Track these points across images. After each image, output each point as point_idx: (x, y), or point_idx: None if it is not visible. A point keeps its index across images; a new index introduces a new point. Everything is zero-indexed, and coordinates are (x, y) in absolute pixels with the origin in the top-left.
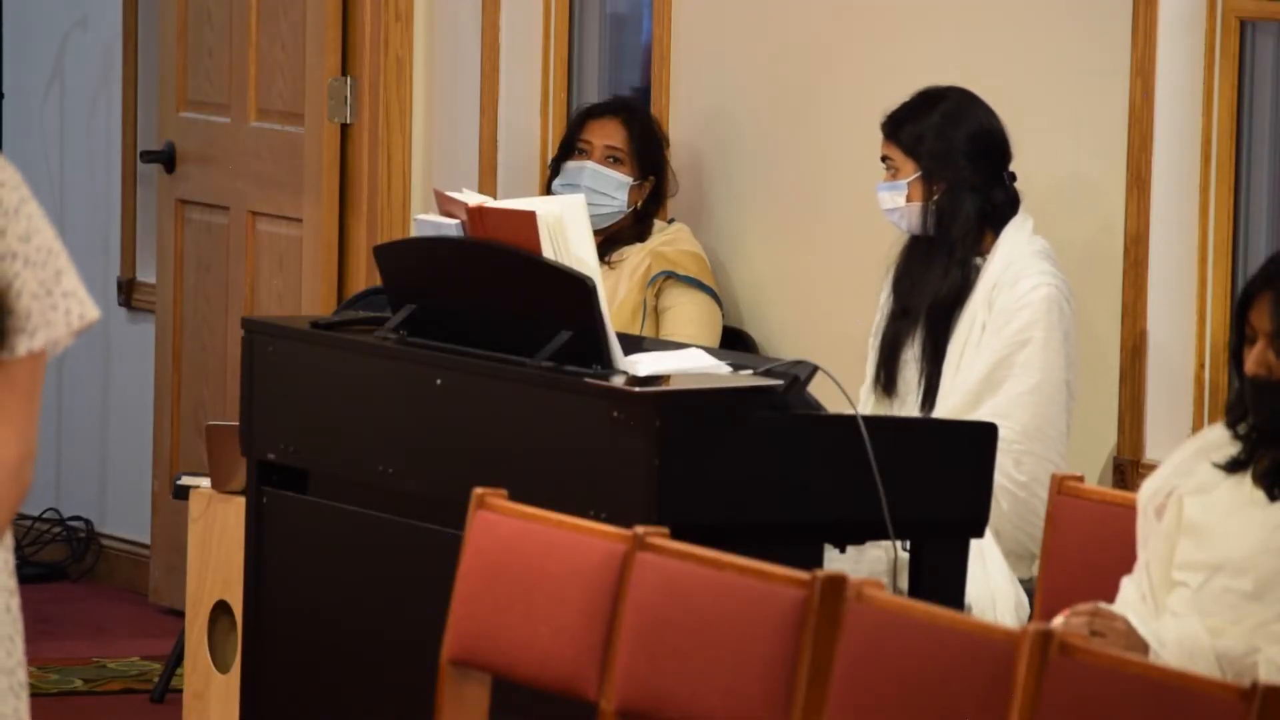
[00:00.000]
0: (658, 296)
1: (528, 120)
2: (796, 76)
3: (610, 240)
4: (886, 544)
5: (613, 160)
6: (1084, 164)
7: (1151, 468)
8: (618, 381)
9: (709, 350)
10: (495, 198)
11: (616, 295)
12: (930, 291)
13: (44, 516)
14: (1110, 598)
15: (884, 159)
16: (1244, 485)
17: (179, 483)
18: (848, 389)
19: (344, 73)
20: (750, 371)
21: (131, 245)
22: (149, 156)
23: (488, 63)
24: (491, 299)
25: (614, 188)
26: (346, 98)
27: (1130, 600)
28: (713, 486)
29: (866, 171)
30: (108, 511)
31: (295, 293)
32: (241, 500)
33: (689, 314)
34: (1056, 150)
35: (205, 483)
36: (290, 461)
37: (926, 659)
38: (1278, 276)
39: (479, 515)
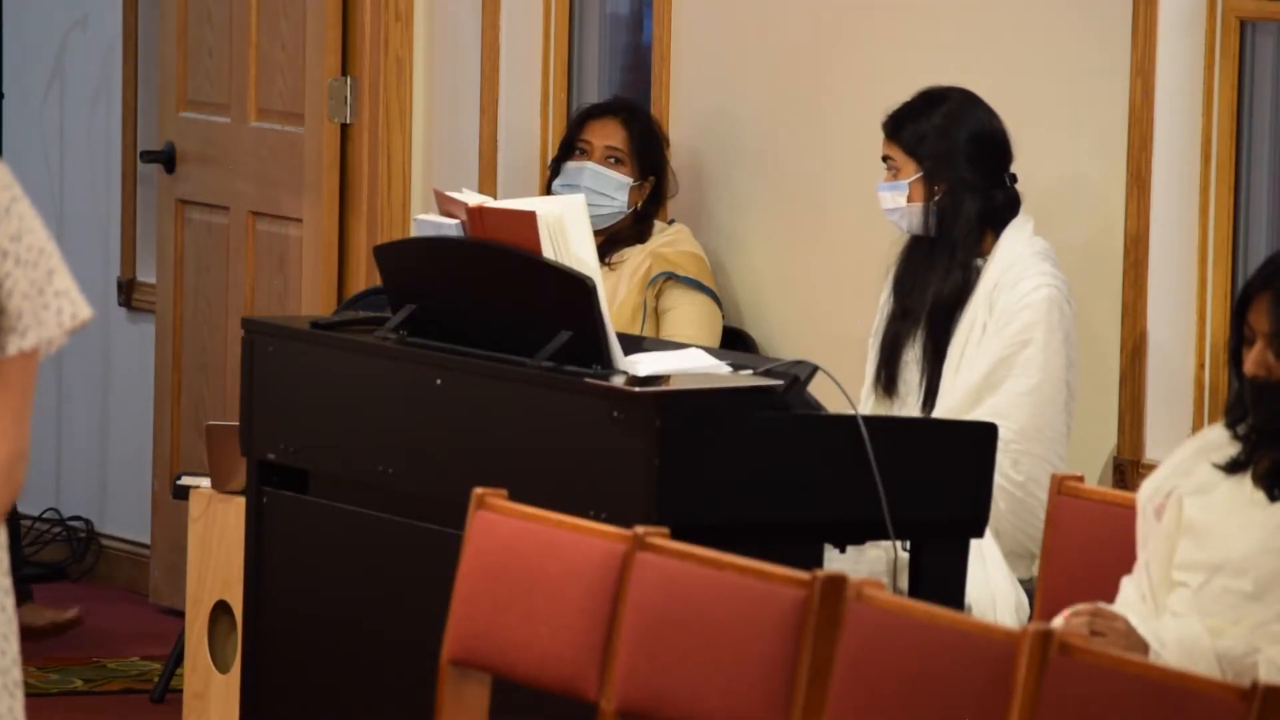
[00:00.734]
0: (658, 298)
1: (528, 120)
2: (797, 77)
3: (610, 241)
4: (886, 544)
5: (613, 161)
6: (1084, 164)
7: (1151, 468)
8: (618, 381)
9: (709, 350)
10: (495, 198)
11: (616, 296)
12: (931, 292)
13: (44, 516)
14: (1110, 598)
15: (885, 159)
16: (1244, 485)
17: (179, 483)
18: (848, 389)
19: (344, 73)
20: (750, 371)
21: (131, 245)
22: (149, 156)
23: (488, 63)
24: (491, 299)
25: (614, 188)
26: (346, 98)
27: (1130, 600)
28: (713, 486)
29: (867, 172)
30: (108, 511)
31: (295, 293)
32: (241, 500)
33: (689, 315)
34: (1056, 150)
35: (205, 483)
36: (290, 461)
37: (926, 659)
38: (1276, 277)
39: (479, 515)
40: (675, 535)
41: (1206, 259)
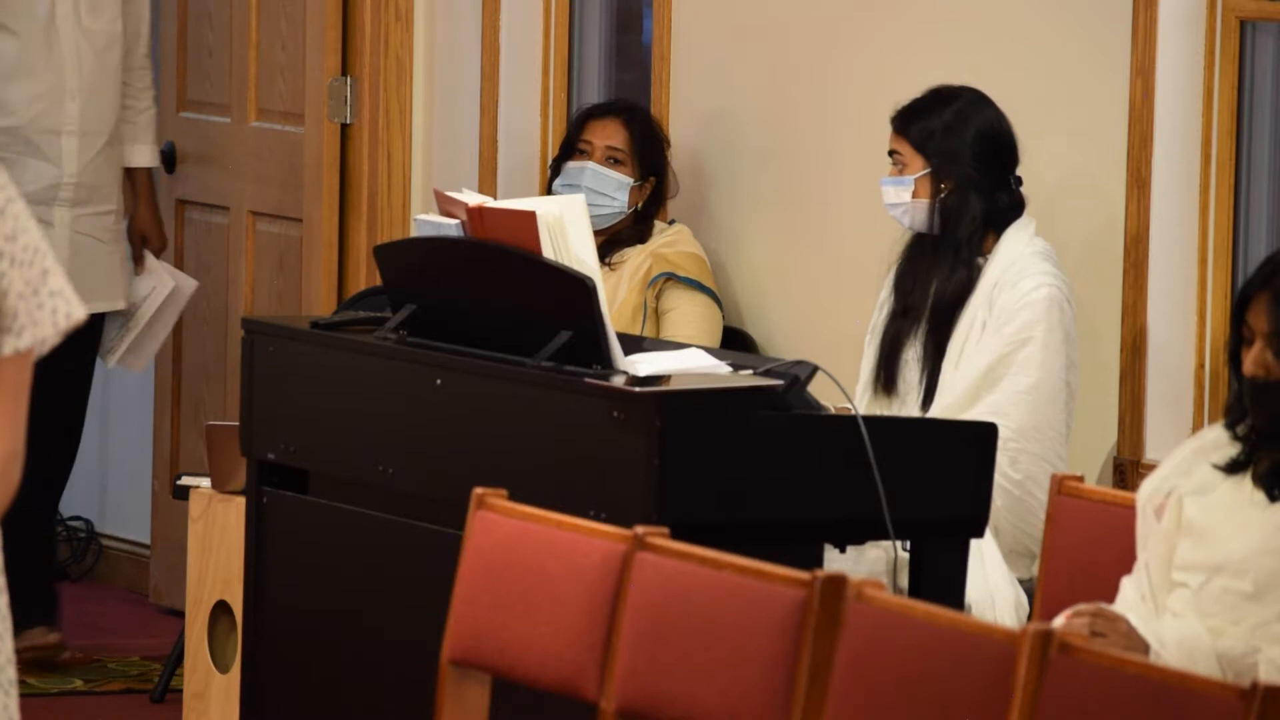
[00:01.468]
0: (658, 298)
1: (528, 120)
2: (797, 77)
3: (611, 241)
4: (886, 544)
5: (613, 161)
6: (1084, 164)
7: (1151, 468)
8: (618, 381)
9: (709, 350)
10: (495, 198)
11: (617, 296)
12: (933, 290)
13: None
14: (1110, 598)
15: (892, 153)
16: (1244, 486)
17: (179, 483)
18: (848, 389)
19: (344, 73)
20: (750, 371)
21: None
22: None
23: (488, 63)
24: (491, 299)
25: (614, 188)
26: (346, 98)
27: (1130, 600)
28: (713, 486)
29: (867, 172)
30: (108, 511)
31: (295, 293)
32: (241, 500)
33: (689, 316)
34: (1057, 150)
35: (205, 483)
36: (290, 461)
37: (926, 659)
38: (1275, 277)
39: (479, 515)
40: (675, 535)
41: (1206, 259)
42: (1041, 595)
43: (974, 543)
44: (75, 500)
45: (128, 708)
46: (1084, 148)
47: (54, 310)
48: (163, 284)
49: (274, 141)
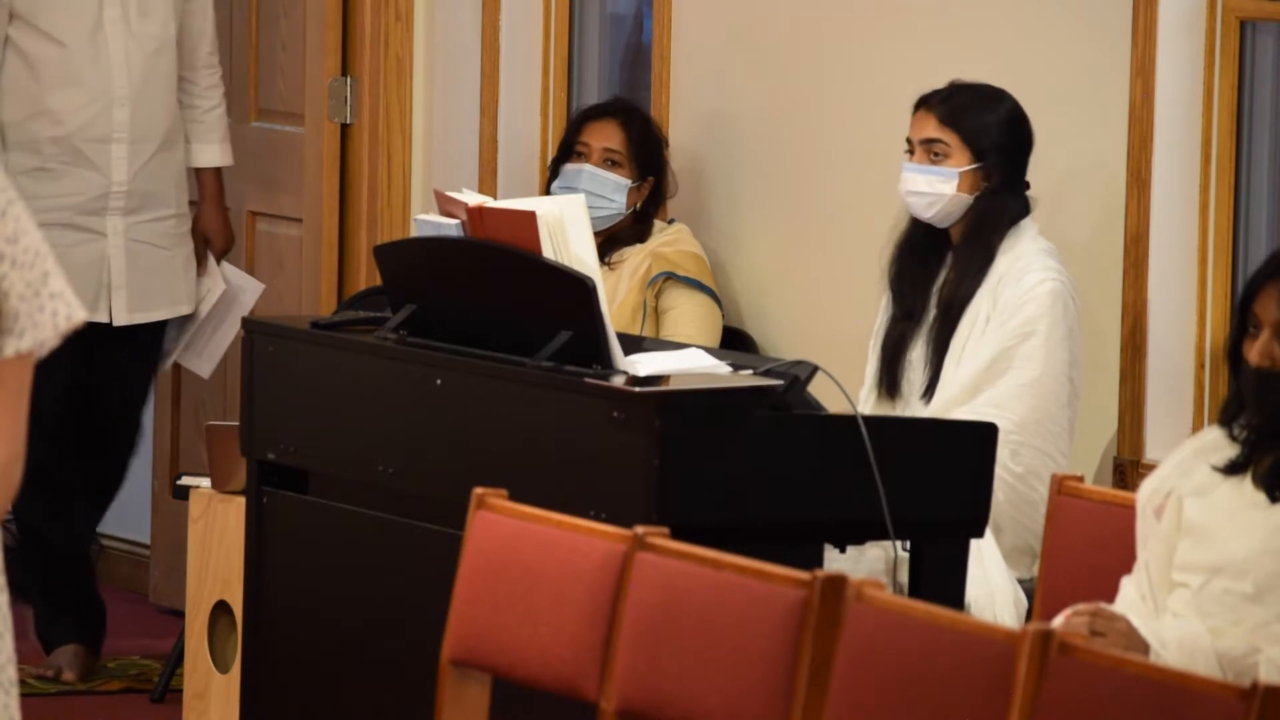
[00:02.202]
0: (658, 297)
1: (528, 121)
2: (796, 77)
3: (610, 241)
4: (886, 544)
5: (610, 163)
6: (1084, 164)
7: (1151, 468)
8: (618, 381)
9: (709, 350)
10: (495, 198)
11: (616, 296)
12: (943, 289)
13: None
14: (1110, 598)
15: (933, 141)
16: (1244, 486)
17: (179, 483)
18: (848, 389)
19: (344, 73)
20: (750, 371)
21: None
22: None
23: (488, 63)
24: (491, 299)
25: (612, 190)
26: (346, 98)
27: (1131, 600)
28: (713, 486)
29: (867, 172)
30: (108, 512)
31: (295, 293)
32: (241, 500)
33: (689, 315)
34: (1056, 150)
35: (205, 483)
36: (290, 461)
37: (926, 659)
38: None
39: (479, 515)
40: (675, 535)
41: (1206, 259)
42: (1041, 595)
43: (974, 542)
44: None
45: (127, 708)
46: (1084, 148)
47: (54, 312)
48: (216, 287)
49: (274, 141)
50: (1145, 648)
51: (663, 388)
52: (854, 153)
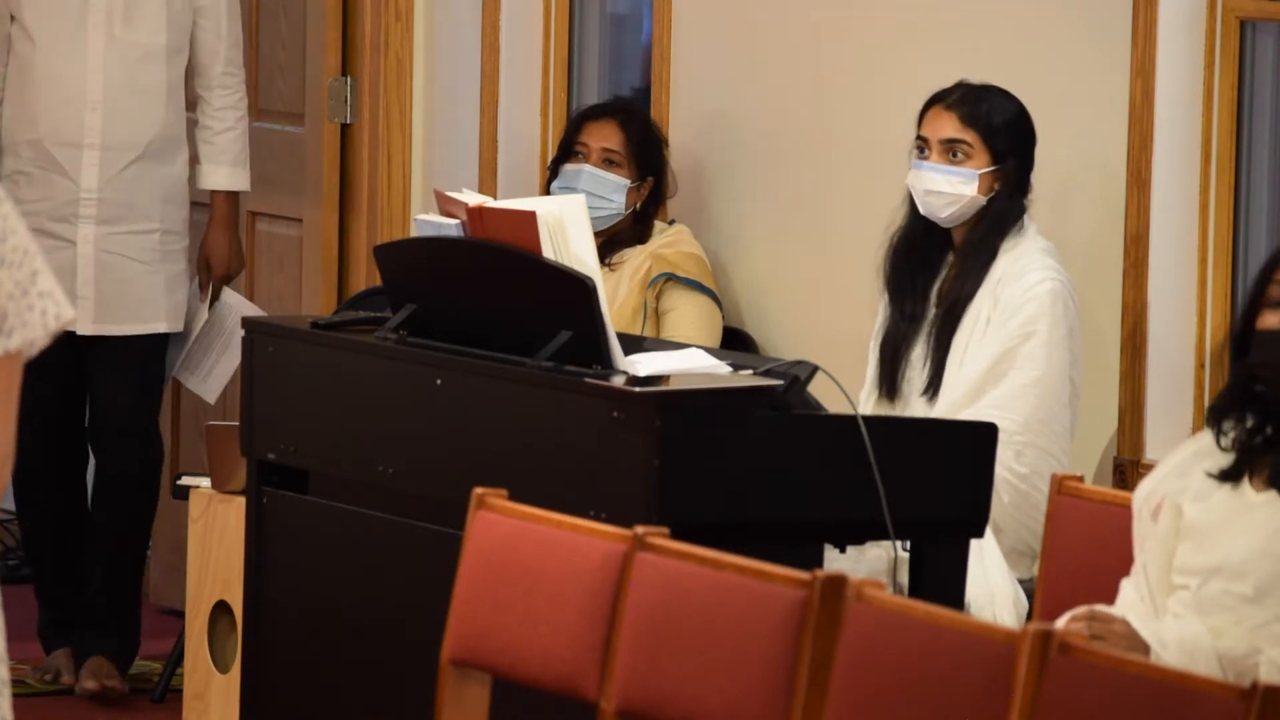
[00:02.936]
0: (658, 298)
1: (528, 121)
2: (797, 76)
3: (610, 242)
4: (886, 544)
5: (609, 163)
6: (1084, 164)
7: (1151, 467)
8: (618, 381)
9: (709, 350)
10: (495, 198)
11: (617, 297)
12: (944, 288)
13: None
14: (1110, 598)
15: (955, 141)
16: (1243, 488)
17: (179, 483)
18: (848, 389)
19: (344, 73)
20: (750, 371)
21: None
22: None
23: (488, 63)
24: (491, 299)
25: (611, 190)
26: (346, 98)
27: (1130, 601)
28: (713, 486)
29: (867, 172)
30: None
31: (295, 293)
32: (241, 500)
33: (689, 316)
34: (1056, 150)
35: (205, 483)
36: (290, 461)
37: (926, 659)
38: None
39: (479, 515)
40: (675, 535)
41: (1206, 259)
42: (1041, 595)
43: (974, 542)
44: None
45: (128, 708)
46: (1084, 148)
47: (43, 311)
48: (203, 310)
49: (274, 141)
50: (1145, 648)
51: (663, 388)
52: (854, 153)
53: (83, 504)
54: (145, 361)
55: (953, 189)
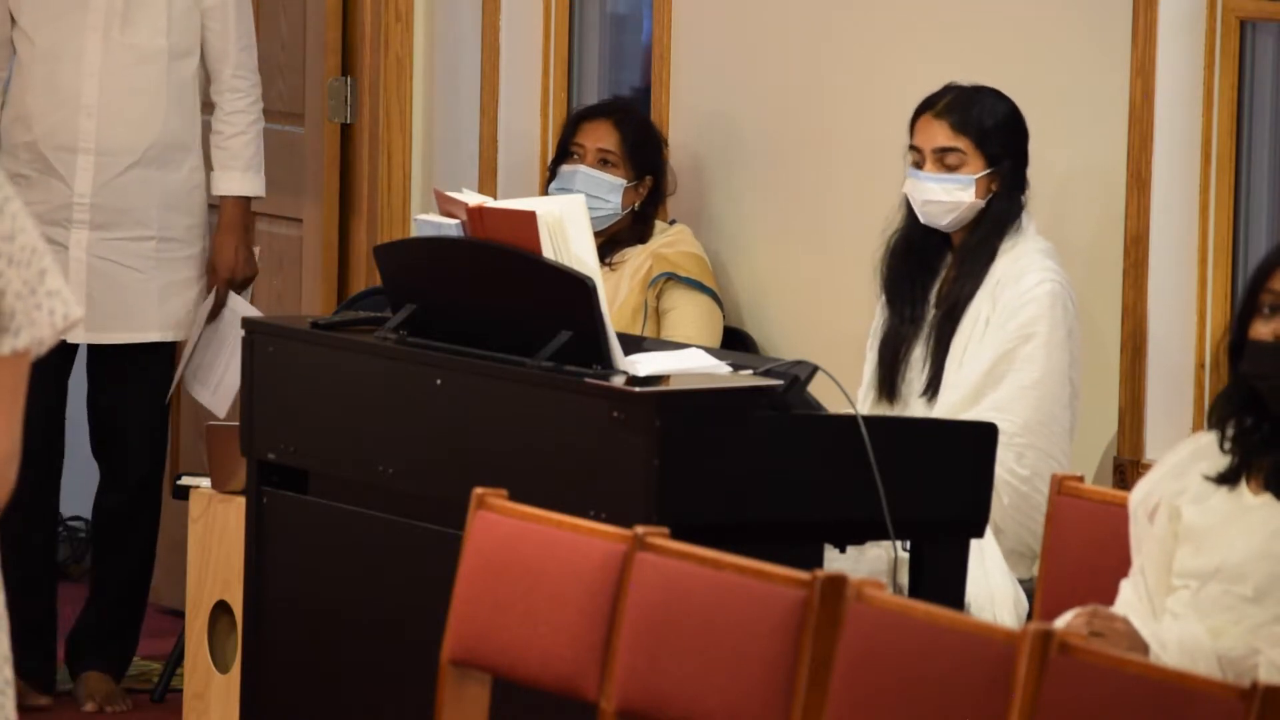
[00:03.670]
0: (659, 298)
1: (528, 121)
2: (797, 76)
3: (611, 242)
4: (886, 544)
5: (605, 163)
6: (1084, 164)
7: (1151, 467)
8: (618, 381)
9: (709, 350)
10: (495, 198)
11: (617, 297)
12: (944, 290)
13: None
14: (1110, 598)
15: (948, 150)
16: (1241, 490)
17: (179, 483)
18: (848, 389)
19: (344, 73)
20: (750, 371)
21: None
22: None
23: (488, 63)
24: (491, 299)
25: (607, 190)
26: (346, 98)
27: (1130, 602)
28: (713, 486)
29: (868, 172)
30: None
31: (295, 293)
32: (241, 500)
33: (690, 316)
34: (1056, 150)
35: (205, 483)
36: (290, 461)
37: (926, 659)
38: None
39: (479, 515)
40: (675, 535)
41: (1206, 259)
42: (1041, 595)
43: (975, 542)
44: (75, 500)
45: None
46: (1084, 148)
47: (51, 310)
48: (200, 316)
49: (274, 141)
50: (1145, 648)
51: (663, 388)
52: (854, 153)
53: (53, 535)
54: (145, 371)
55: (950, 197)
